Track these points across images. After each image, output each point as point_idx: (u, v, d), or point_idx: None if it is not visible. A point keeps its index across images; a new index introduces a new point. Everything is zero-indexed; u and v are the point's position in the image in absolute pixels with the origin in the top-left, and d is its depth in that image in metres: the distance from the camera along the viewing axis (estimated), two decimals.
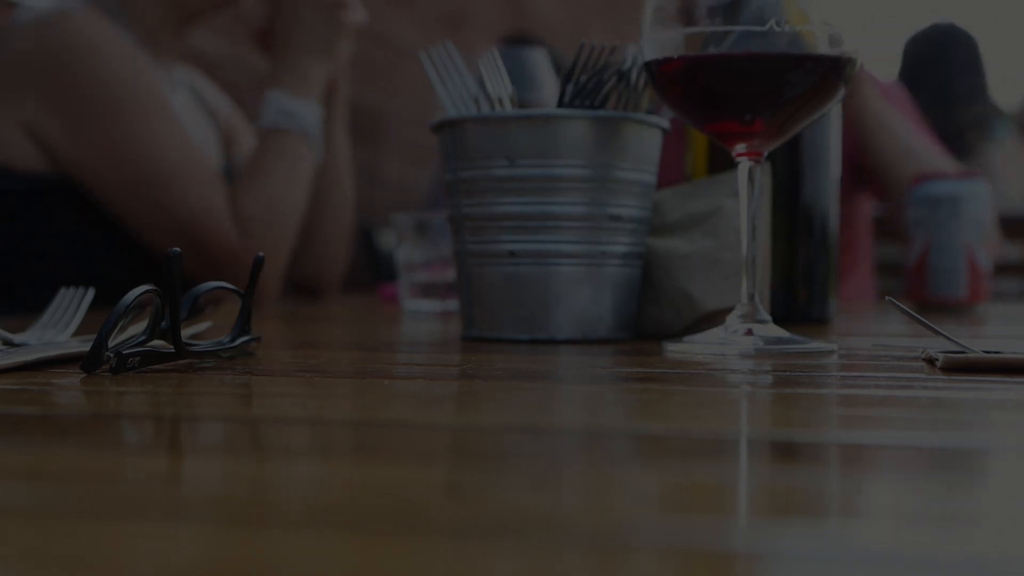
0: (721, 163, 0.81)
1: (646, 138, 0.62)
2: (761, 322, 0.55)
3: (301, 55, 1.16)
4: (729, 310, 0.57)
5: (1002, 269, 1.69)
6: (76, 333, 0.53)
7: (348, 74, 1.34)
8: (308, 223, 1.32)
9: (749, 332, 0.54)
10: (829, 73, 0.53)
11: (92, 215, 1.08)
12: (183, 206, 1.07)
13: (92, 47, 1.05)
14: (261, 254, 0.48)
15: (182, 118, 1.13)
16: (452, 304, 0.98)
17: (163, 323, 0.43)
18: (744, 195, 0.56)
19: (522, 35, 2.25)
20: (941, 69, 2.25)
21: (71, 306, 0.55)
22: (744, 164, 0.56)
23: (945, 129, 2.09)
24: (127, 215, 1.08)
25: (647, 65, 0.55)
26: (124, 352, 0.41)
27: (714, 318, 0.61)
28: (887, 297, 0.51)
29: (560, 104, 0.61)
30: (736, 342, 0.54)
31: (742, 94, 0.54)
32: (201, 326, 0.61)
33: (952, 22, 2.37)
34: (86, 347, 0.45)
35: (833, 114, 0.84)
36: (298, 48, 1.16)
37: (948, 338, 0.48)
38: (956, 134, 2.18)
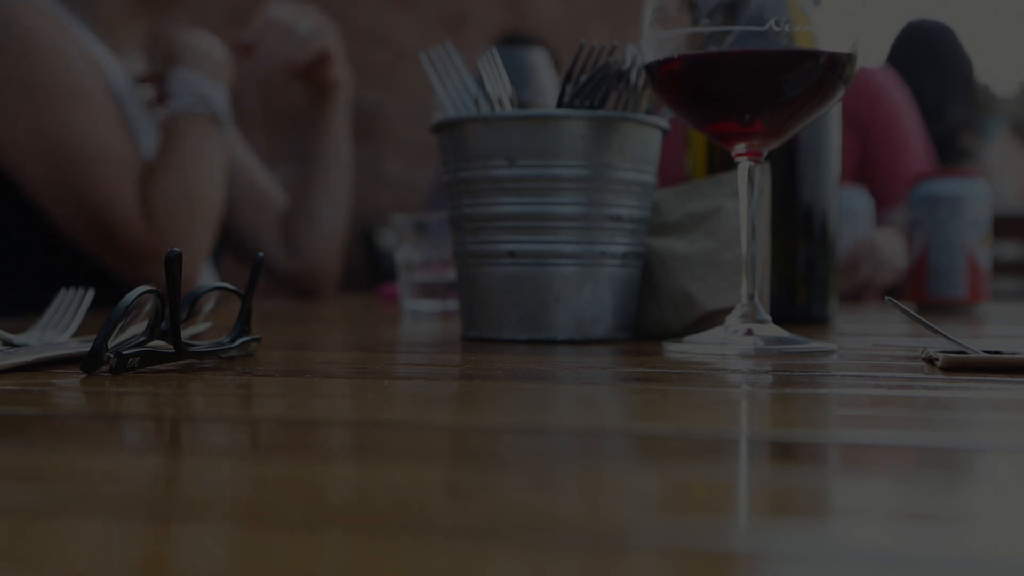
0: (721, 163, 0.81)
1: (646, 138, 0.62)
2: (761, 322, 0.55)
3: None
4: (729, 310, 0.57)
5: (1002, 269, 1.69)
6: (76, 334, 0.53)
7: (351, 75, 1.34)
8: (300, 224, 1.32)
9: (749, 332, 0.54)
10: (828, 72, 0.53)
11: (16, 202, 1.08)
12: (93, 194, 1.06)
13: (27, 34, 1.05)
14: (261, 254, 0.48)
15: (127, 109, 1.12)
16: (452, 304, 0.98)
17: (163, 324, 0.43)
18: (744, 195, 0.56)
19: (518, 35, 2.25)
20: (924, 68, 2.23)
21: (71, 307, 0.55)
22: (744, 164, 0.56)
23: (937, 132, 2.08)
24: (44, 201, 1.08)
25: (647, 65, 0.55)
26: (124, 353, 0.41)
27: (714, 318, 0.61)
28: (887, 297, 0.51)
29: (560, 104, 0.61)
30: (736, 342, 0.54)
31: (741, 94, 0.54)
32: (201, 327, 0.61)
33: (924, 18, 2.34)
34: (86, 348, 0.45)
35: (833, 114, 0.84)
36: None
37: (948, 338, 0.48)
38: (948, 136, 2.17)
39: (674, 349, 0.55)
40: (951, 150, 2.16)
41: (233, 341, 0.48)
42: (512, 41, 2.08)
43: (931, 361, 0.48)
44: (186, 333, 0.54)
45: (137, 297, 0.41)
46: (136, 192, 1.07)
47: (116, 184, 1.06)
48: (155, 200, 1.07)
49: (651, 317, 0.64)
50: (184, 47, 1.13)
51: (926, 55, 2.24)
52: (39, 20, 1.06)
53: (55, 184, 1.06)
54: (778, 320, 0.57)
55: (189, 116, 1.11)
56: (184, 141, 1.10)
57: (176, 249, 0.41)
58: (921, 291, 1.05)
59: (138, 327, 0.46)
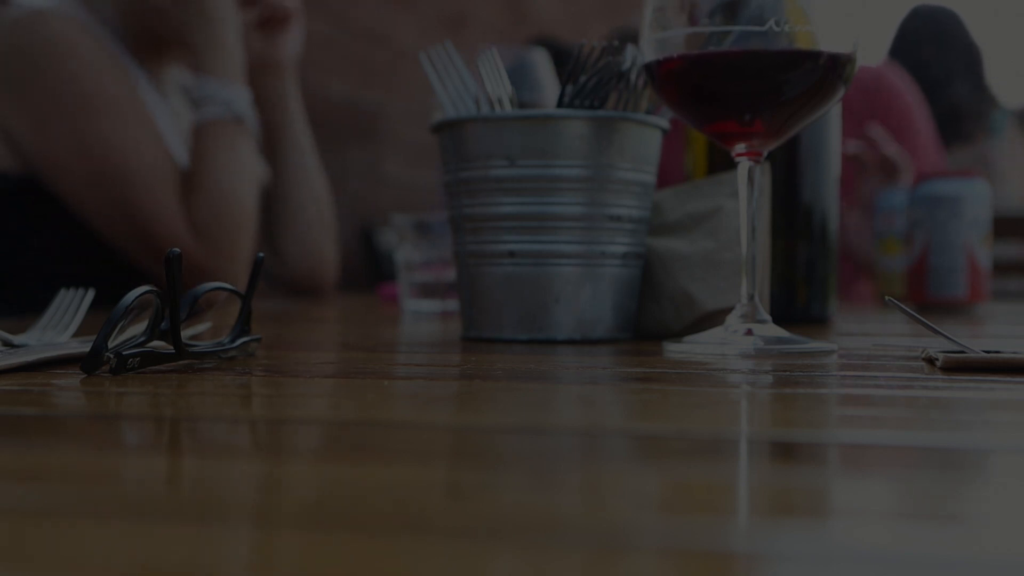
0: (721, 163, 0.81)
1: (646, 138, 0.62)
2: (761, 322, 0.55)
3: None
4: (729, 310, 0.57)
5: (1002, 269, 1.68)
6: (76, 334, 0.53)
7: (293, 59, 1.31)
8: (290, 223, 1.32)
9: (749, 332, 0.54)
10: (828, 72, 0.53)
11: (59, 212, 1.08)
12: (136, 206, 1.06)
13: (65, 45, 1.05)
14: (261, 254, 0.48)
15: (161, 122, 1.12)
16: (452, 304, 0.98)
17: (163, 324, 0.43)
18: (744, 195, 0.56)
19: (544, 39, 2.24)
20: (930, 51, 2.23)
21: (71, 307, 0.55)
22: (744, 164, 0.56)
23: (940, 113, 2.09)
24: (86, 211, 1.08)
25: (647, 65, 0.55)
26: (124, 353, 0.41)
27: (714, 318, 0.61)
28: (887, 297, 0.51)
29: (560, 104, 0.61)
30: (736, 342, 0.54)
31: (741, 94, 0.54)
32: (201, 327, 0.61)
33: (935, 4, 2.35)
34: (86, 348, 0.45)
35: (833, 114, 0.83)
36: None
37: (948, 338, 0.48)
38: (952, 118, 2.18)
39: (674, 349, 0.55)
40: (954, 133, 2.17)
41: (233, 341, 0.48)
42: (541, 45, 2.07)
43: (931, 361, 0.48)
44: (186, 333, 0.54)
45: (137, 297, 0.41)
46: (180, 207, 1.08)
47: (163, 200, 1.07)
48: (197, 215, 1.08)
49: (651, 317, 0.64)
50: (202, 45, 1.11)
51: (929, 37, 2.25)
52: (69, 27, 1.06)
53: (94, 192, 1.06)
54: (778, 320, 0.57)
55: (217, 125, 1.10)
56: (216, 153, 1.10)
57: (176, 249, 0.41)
58: (921, 291, 1.05)
59: (138, 327, 0.46)
